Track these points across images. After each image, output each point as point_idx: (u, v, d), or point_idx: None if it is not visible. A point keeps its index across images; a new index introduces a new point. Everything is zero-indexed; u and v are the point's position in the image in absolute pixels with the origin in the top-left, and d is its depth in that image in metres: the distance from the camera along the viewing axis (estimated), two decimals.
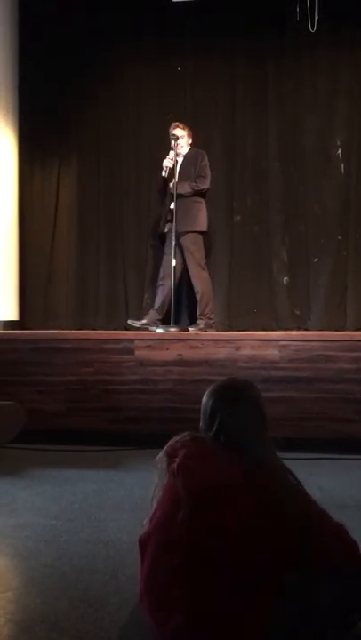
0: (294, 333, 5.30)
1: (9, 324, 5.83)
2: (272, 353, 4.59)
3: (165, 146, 5.88)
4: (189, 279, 5.68)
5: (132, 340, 4.77)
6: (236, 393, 1.84)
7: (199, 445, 1.79)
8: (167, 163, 5.59)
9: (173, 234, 5.50)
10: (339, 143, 6.07)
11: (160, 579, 1.75)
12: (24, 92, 6.23)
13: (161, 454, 1.83)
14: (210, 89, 6.31)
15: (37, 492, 3.42)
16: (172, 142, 5.58)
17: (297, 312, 6.07)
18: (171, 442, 1.84)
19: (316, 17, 5.56)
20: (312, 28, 5.63)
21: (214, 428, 1.78)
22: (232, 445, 1.75)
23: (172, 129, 5.64)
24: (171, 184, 5.56)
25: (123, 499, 3.32)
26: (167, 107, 6.34)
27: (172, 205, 5.47)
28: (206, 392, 1.85)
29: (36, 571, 2.37)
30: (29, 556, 2.52)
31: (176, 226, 5.43)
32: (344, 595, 1.75)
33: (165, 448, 1.83)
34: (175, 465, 1.76)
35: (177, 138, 5.59)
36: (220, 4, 6.02)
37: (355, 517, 3.02)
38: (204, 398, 1.84)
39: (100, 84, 6.37)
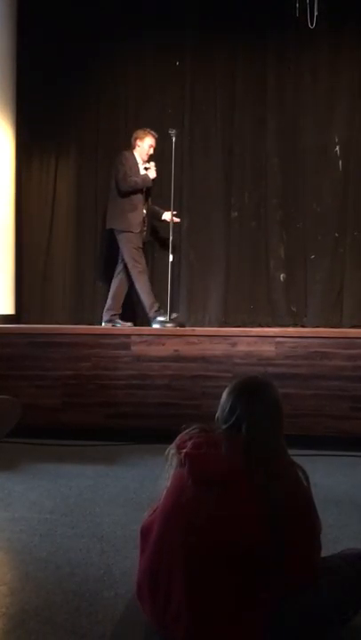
0: (291, 330, 5.30)
1: (5, 319, 5.82)
2: (268, 349, 4.59)
3: (163, 142, 5.86)
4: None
5: (128, 336, 4.77)
6: (258, 390, 1.89)
7: (207, 437, 1.83)
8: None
9: (171, 231, 5.52)
10: (337, 140, 6.06)
11: (162, 566, 1.76)
12: (22, 87, 6.20)
13: (171, 447, 1.86)
14: (209, 85, 6.29)
15: (33, 487, 3.42)
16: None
17: (293, 309, 6.07)
18: (180, 435, 1.88)
19: (316, 13, 5.54)
20: (311, 25, 5.61)
21: (231, 422, 1.82)
22: (244, 440, 1.78)
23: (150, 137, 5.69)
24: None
25: (118, 494, 3.32)
26: (166, 102, 6.32)
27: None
28: (228, 387, 1.90)
29: (31, 565, 2.38)
30: (24, 550, 2.52)
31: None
32: (342, 591, 1.76)
33: (175, 441, 1.86)
34: (183, 454, 1.79)
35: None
36: (219, 0, 6.00)
37: (349, 514, 3.04)
38: (226, 392, 1.89)
39: (99, 78, 6.34)
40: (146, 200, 5.73)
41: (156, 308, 5.57)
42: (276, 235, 6.14)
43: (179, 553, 1.72)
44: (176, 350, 4.66)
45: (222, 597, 1.66)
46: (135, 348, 4.70)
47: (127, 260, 5.65)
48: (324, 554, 1.84)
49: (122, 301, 5.75)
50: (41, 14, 6.18)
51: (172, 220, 5.69)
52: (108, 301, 5.74)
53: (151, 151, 5.72)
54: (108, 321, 5.66)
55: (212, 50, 6.26)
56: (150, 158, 5.72)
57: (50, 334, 4.89)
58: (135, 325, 5.66)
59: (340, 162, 6.06)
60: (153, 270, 6.18)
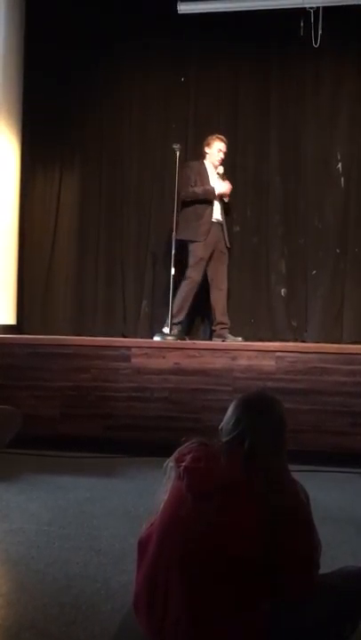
0: (291, 345, 5.31)
1: (6, 329, 5.84)
2: (268, 364, 4.60)
3: (168, 154, 5.91)
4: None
5: (128, 348, 4.77)
6: (265, 406, 1.90)
7: (206, 451, 1.83)
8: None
9: (173, 244, 5.53)
10: (339, 157, 6.10)
11: (160, 574, 1.77)
12: (28, 96, 6.26)
13: (169, 460, 1.86)
14: (213, 100, 6.35)
15: (31, 498, 3.41)
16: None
17: (294, 324, 6.08)
18: (179, 448, 1.89)
19: (320, 32, 5.60)
20: (315, 43, 5.68)
21: (234, 435, 1.82)
22: (245, 453, 1.78)
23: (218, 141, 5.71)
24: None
25: (116, 506, 3.32)
26: (170, 116, 6.37)
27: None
28: (235, 400, 1.91)
29: (27, 577, 2.37)
30: (21, 562, 2.51)
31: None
32: (340, 605, 1.76)
33: (174, 454, 1.87)
34: (182, 468, 1.79)
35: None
36: (224, 17, 6.06)
37: (347, 531, 3.04)
38: (232, 405, 1.90)
39: (104, 91, 6.39)
40: (222, 209, 5.68)
41: (169, 324, 5.48)
42: (277, 250, 6.16)
43: (178, 559, 1.72)
44: (176, 363, 4.66)
45: (222, 601, 1.67)
46: (135, 361, 4.70)
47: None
48: (322, 571, 1.84)
49: (216, 310, 5.69)
50: (47, 25, 6.24)
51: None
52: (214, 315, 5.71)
53: (221, 155, 5.70)
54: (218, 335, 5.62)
55: (216, 65, 6.31)
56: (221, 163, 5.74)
57: (50, 345, 4.90)
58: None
59: (342, 178, 6.10)
60: (154, 283, 6.21)
